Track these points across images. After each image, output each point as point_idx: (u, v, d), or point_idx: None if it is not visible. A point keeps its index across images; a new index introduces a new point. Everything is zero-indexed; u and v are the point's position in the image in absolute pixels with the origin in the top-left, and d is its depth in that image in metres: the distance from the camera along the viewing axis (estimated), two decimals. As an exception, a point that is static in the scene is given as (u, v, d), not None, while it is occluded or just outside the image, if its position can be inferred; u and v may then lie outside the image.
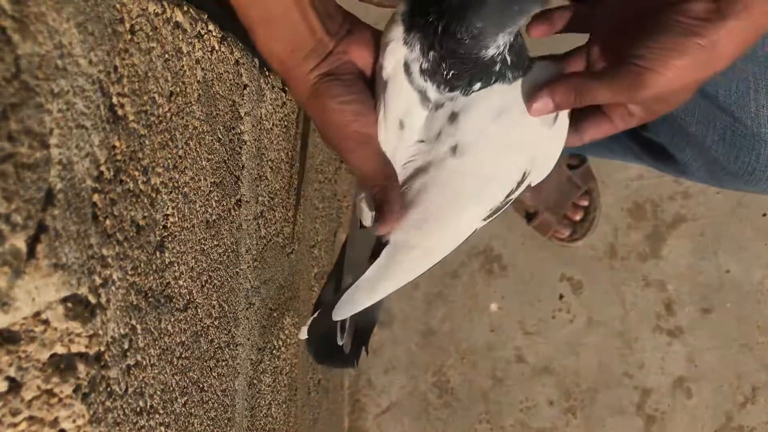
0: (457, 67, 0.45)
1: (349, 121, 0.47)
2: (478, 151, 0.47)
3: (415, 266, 0.52)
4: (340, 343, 0.55)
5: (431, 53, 0.45)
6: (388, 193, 0.48)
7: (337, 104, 0.46)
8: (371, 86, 0.49)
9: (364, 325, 0.57)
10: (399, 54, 0.46)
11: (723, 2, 0.41)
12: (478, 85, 0.46)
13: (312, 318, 0.55)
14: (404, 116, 0.48)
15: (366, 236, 0.52)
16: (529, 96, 0.47)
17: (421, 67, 0.46)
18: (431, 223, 0.49)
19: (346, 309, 0.51)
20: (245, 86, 0.56)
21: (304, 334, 0.55)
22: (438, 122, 0.47)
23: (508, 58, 0.46)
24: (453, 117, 0.47)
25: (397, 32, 0.47)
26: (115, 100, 0.35)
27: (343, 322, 0.54)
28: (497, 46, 0.45)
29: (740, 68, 0.62)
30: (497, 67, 0.46)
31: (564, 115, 0.49)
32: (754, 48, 0.59)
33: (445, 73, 0.46)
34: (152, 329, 0.40)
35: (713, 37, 0.41)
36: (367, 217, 0.50)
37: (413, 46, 0.46)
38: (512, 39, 0.45)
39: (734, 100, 0.64)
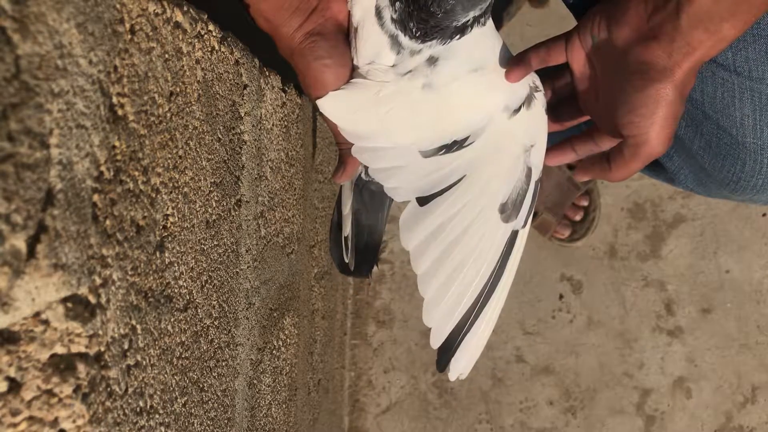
0: (425, 28, 0.48)
1: (329, 82, 0.50)
2: (447, 93, 0.50)
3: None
4: (346, 260, 0.60)
5: (398, 5, 0.48)
6: (349, 158, 0.53)
7: (321, 65, 0.50)
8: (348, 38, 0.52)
9: (369, 241, 0.60)
10: (368, 3, 0.49)
11: (674, 51, 0.46)
12: (449, 41, 0.49)
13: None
14: (374, 58, 0.50)
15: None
16: (502, 61, 0.51)
17: (391, 16, 0.49)
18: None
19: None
20: (245, 86, 0.56)
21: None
22: (413, 62, 0.50)
23: (483, 20, 0.49)
24: (432, 60, 0.50)
25: None
26: (115, 100, 0.35)
27: (347, 241, 0.59)
28: (468, 17, 0.48)
29: (724, 78, 0.62)
30: (469, 29, 0.49)
31: (538, 109, 0.53)
32: (737, 60, 0.60)
33: (414, 30, 0.48)
34: (152, 329, 0.40)
35: (677, 79, 0.47)
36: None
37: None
38: (484, 12, 0.48)
39: (719, 109, 0.64)
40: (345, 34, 0.51)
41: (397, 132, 0.52)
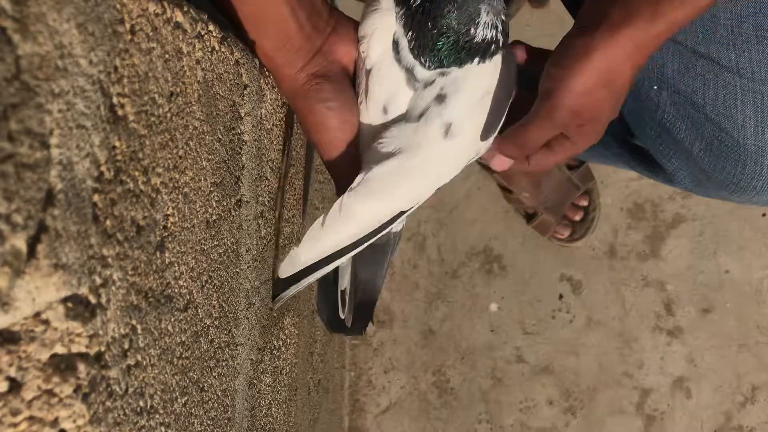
0: (446, 44, 0.46)
1: (333, 127, 0.48)
2: (467, 130, 0.48)
3: (363, 222, 0.50)
4: (342, 316, 0.57)
5: (412, 33, 0.46)
6: None
7: (325, 108, 0.47)
8: (354, 85, 0.50)
9: (365, 298, 0.57)
10: (387, 40, 0.47)
11: (612, 12, 0.44)
12: (472, 61, 0.47)
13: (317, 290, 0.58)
14: (389, 100, 0.48)
15: None
16: (506, 81, 0.49)
17: (409, 43, 0.46)
18: (393, 195, 0.49)
19: (288, 265, 0.51)
20: (245, 86, 0.56)
21: (283, 273, 0.52)
22: (424, 101, 0.48)
23: (501, 39, 0.47)
24: (440, 98, 0.47)
25: (385, 19, 0.47)
26: (115, 100, 0.35)
27: (343, 295, 0.56)
28: (485, 24, 0.45)
29: (727, 81, 0.62)
30: (487, 44, 0.46)
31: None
32: (741, 62, 0.60)
33: (433, 51, 0.46)
34: (152, 329, 0.40)
35: (599, 44, 0.44)
36: None
37: (404, 26, 0.46)
38: (498, 23, 0.46)
39: (721, 111, 0.64)
40: (351, 79, 0.49)
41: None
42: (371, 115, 0.48)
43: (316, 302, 0.59)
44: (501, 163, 0.52)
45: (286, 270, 0.51)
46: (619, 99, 0.48)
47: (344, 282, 0.56)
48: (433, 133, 0.47)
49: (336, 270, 0.56)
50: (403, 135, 0.47)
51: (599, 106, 0.47)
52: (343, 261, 0.51)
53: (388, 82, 0.47)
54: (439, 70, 0.47)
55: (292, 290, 0.52)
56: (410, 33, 0.46)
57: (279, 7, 0.45)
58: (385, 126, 0.48)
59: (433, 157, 0.48)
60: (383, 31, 0.47)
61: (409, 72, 0.47)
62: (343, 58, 0.49)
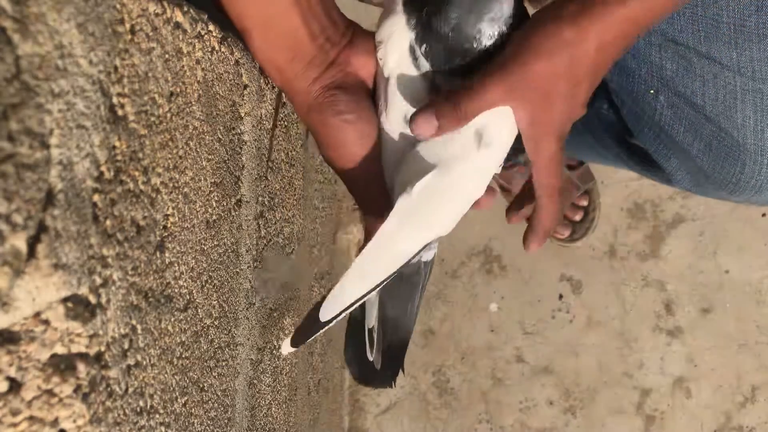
0: (457, 59, 0.43)
1: (351, 141, 0.44)
2: (496, 138, 0.44)
3: (406, 251, 0.46)
4: (370, 358, 0.51)
5: (426, 45, 0.43)
6: (376, 227, 0.43)
7: (341, 121, 0.44)
8: (373, 97, 0.47)
9: (395, 339, 0.52)
10: (403, 45, 0.44)
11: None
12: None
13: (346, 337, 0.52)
14: (410, 110, 0.44)
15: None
16: None
17: (424, 51, 0.43)
18: (436, 217, 0.45)
19: (332, 305, 0.44)
20: (245, 86, 0.56)
21: (286, 348, 0.47)
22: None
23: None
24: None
25: (399, 23, 0.44)
26: (115, 100, 0.35)
27: (371, 334, 0.50)
28: (489, 35, 0.42)
29: (727, 80, 0.62)
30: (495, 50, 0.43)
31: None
32: (742, 60, 0.60)
33: (449, 67, 0.43)
34: (152, 329, 0.40)
35: (534, 33, 0.41)
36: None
37: (414, 37, 0.43)
38: (504, 28, 0.43)
39: (721, 111, 0.64)
40: (368, 91, 0.46)
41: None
42: (393, 125, 0.45)
43: (344, 349, 0.53)
44: (426, 125, 0.43)
45: (330, 311, 0.44)
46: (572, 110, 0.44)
47: (371, 319, 0.50)
48: (467, 142, 0.43)
49: (362, 306, 0.50)
50: (434, 147, 0.44)
51: (566, 74, 0.42)
52: (372, 294, 0.46)
53: (408, 90, 0.44)
54: (458, 75, 0.44)
55: (323, 330, 0.47)
56: (423, 44, 0.43)
57: (289, 15, 0.43)
58: (407, 137, 0.45)
59: (468, 170, 0.44)
60: (400, 34, 0.44)
61: (429, 78, 0.44)
62: (360, 70, 0.46)
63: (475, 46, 0.42)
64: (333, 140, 0.45)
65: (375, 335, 0.50)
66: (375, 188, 0.46)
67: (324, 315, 0.44)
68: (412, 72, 0.44)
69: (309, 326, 0.45)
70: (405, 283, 0.49)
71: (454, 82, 0.43)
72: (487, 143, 0.43)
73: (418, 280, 0.50)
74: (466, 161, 0.43)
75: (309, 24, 0.44)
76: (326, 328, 0.45)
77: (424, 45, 0.43)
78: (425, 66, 0.44)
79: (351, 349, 0.53)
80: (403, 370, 0.53)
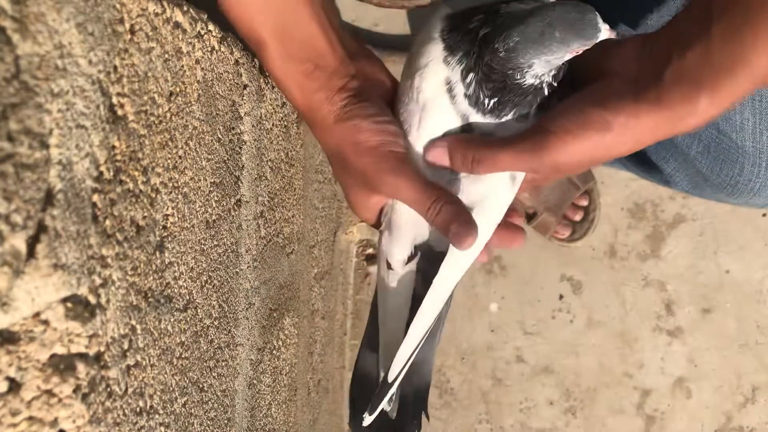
0: (497, 94, 0.42)
1: (387, 141, 0.43)
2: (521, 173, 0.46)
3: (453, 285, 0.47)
4: (386, 408, 0.48)
5: (470, 75, 0.42)
6: (453, 207, 0.42)
7: (373, 124, 0.42)
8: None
9: (420, 382, 0.50)
10: (440, 75, 0.43)
11: (641, 83, 0.39)
12: (523, 114, 0.43)
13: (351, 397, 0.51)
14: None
15: (397, 278, 0.47)
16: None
17: (464, 92, 0.43)
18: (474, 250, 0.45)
19: (398, 363, 0.44)
20: (245, 86, 0.56)
21: (368, 420, 0.45)
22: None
23: (546, 96, 0.43)
24: None
25: (436, 52, 0.43)
26: (115, 100, 0.35)
27: (389, 386, 0.46)
28: (535, 75, 0.41)
29: None
30: (536, 100, 0.43)
31: None
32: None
33: (487, 101, 0.43)
34: (152, 329, 0.40)
35: (620, 118, 0.39)
36: (398, 256, 0.47)
37: (454, 67, 0.42)
38: (552, 78, 0.42)
39: None
40: (387, 105, 0.45)
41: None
42: (420, 149, 0.45)
43: (350, 421, 0.50)
44: (439, 155, 0.44)
45: (396, 368, 0.44)
46: (602, 161, 0.44)
47: (395, 368, 0.45)
48: (502, 178, 0.45)
49: (376, 355, 0.49)
50: (469, 185, 0.44)
51: (583, 167, 0.44)
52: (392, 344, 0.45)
53: (441, 125, 0.44)
54: (491, 113, 0.43)
55: (389, 396, 0.46)
56: (469, 85, 0.42)
57: (308, 24, 0.41)
58: (436, 169, 0.44)
59: (495, 204, 0.45)
60: (436, 64, 0.43)
61: (464, 117, 0.43)
62: (378, 86, 0.45)
63: (518, 78, 0.41)
64: (366, 145, 0.43)
65: (396, 383, 0.46)
66: (420, 180, 0.44)
67: (393, 374, 0.45)
68: (448, 108, 0.43)
69: (382, 391, 0.45)
70: (437, 320, 0.48)
71: (486, 122, 0.43)
72: (515, 177, 0.45)
73: (445, 312, 0.49)
74: (497, 194, 0.45)
75: (328, 35, 0.42)
76: (389, 393, 0.45)
77: (469, 88, 0.42)
78: (462, 106, 0.43)
79: (359, 404, 0.50)
80: (427, 415, 0.51)
